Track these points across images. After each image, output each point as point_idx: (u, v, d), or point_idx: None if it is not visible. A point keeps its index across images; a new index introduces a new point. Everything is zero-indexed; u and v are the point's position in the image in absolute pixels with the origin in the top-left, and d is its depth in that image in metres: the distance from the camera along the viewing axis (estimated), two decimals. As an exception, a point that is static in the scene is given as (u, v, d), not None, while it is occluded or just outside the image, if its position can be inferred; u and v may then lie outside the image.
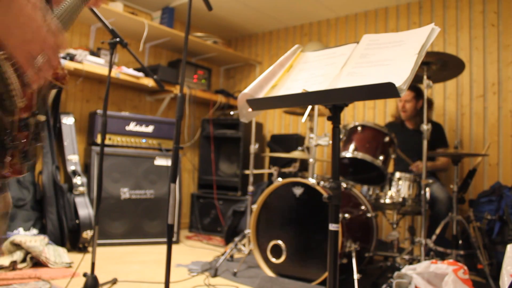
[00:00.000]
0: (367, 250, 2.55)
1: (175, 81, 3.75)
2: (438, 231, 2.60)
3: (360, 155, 2.54)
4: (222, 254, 2.86)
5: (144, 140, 3.47)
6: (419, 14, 3.61)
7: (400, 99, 3.09)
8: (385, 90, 0.97)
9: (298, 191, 2.39)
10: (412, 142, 2.98)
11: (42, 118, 0.79)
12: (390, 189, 2.65)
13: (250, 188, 3.05)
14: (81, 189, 2.98)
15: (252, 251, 2.57)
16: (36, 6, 0.70)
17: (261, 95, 1.25)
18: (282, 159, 3.63)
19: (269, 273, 2.41)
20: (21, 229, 2.73)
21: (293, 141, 3.89)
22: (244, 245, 2.97)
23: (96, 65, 3.23)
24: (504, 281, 1.61)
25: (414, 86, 3.06)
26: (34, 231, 2.78)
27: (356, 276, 2.16)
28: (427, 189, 2.48)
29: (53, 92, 3.10)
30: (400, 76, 0.99)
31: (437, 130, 3.11)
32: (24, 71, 0.73)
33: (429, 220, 2.82)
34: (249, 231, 2.81)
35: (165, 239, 3.30)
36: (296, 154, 2.93)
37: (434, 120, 3.24)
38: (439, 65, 2.55)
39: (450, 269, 1.88)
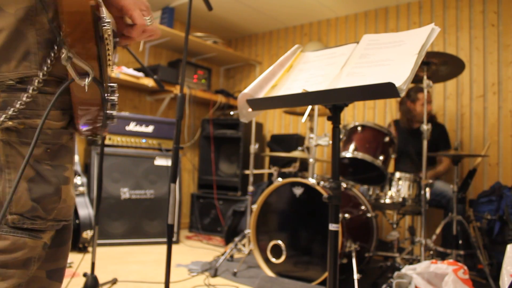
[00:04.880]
0: (367, 250, 2.55)
1: (175, 81, 3.75)
2: (438, 231, 2.60)
3: (360, 155, 2.54)
4: (222, 254, 2.86)
5: (144, 140, 3.47)
6: (419, 14, 3.61)
7: (422, 103, 3.02)
8: (385, 90, 0.97)
9: (298, 191, 2.39)
10: (417, 142, 2.98)
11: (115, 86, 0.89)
12: (390, 189, 2.65)
13: (250, 188, 3.05)
14: (81, 189, 2.98)
15: (252, 251, 2.57)
16: None
17: (261, 95, 1.25)
18: (282, 159, 3.63)
19: (269, 273, 2.41)
20: (21, 229, 2.73)
21: (293, 141, 3.89)
22: (244, 245, 2.97)
23: (96, 65, 3.23)
24: (504, 281, 1.60)
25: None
26: (34, 231, 2.78)
27: (356, 276, 2.16)
28: (427, 189, 2.48)
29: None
30: (400, 76, 0.99)
31: (441, 130, 3.11)
32: (135, 23, 0.88)
33: (444, 215, 2.82)
34: (249, 231, 2.81)
35: (165, 239, 3.30)
36: (296, 153, 2.93)
37: (437, 121, 3.22)
38: (440, 65, 2.55)
39: (450, 269, 1.88)
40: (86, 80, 0.75)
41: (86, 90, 0.76)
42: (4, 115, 0.75)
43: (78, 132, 0.88)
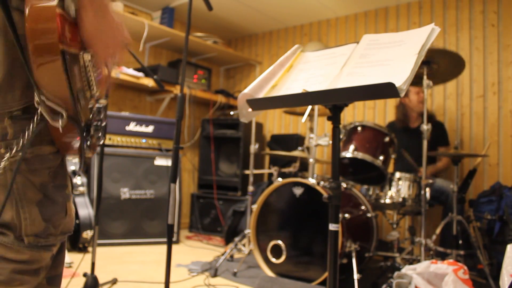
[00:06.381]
0: (367, 250, 2.55)
1: (175, 81, 3.75)
2: (438, 231, 2.60)
3: (360, 155, 2.54)
4: (222, 254, 2.86)
5: (144, 140, 3.47)
6: (419, 14, 3.61)
7: (417, 91, 3.08)
8: (385, 90, 0.97)
9: (298, 191, 2.39)
10: (416, 141, 2.98)
11: (104, 102, 0.92)
12: (390, 189, 2.65)
13: (250, 188, 3.05)
14: (81, 189, 2.98)
15: (252, 251, 2.57)
16: (117, 14, 0.84)
17: (261, 95, 1.25)
18: (282, 159, 3.63)
19: (269, 273, 2.41)
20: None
21: (293, 141, 3.89)
22: (244, 245, 2.97)
23: (96, 65, 3.23)
24: (504, 281, 1.60)
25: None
26: (34, 231, 2.78)
27: (356, 276, 2.16)
28: (427, 189, 2.48)
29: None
30: (400, 76, 0.99)
31: (439, 128, 3.12)
32: (102, 67, 0.88)
33: (443, 214, 2.82)
34: (249, 231, 2.81)
35: (165, 239, 3.30)
36: (296, 153, 2.93)
37: (436, 119, 3.24)
38: (440, 63, 2.54)
39: (450, 269, 1.88)
40: (60, 121, 0.77)
41: (61, 131, 0.79)
42: (15, 147, 0.78)
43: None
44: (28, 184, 0.82)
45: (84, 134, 0.86)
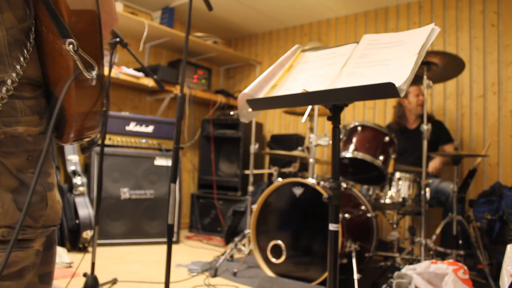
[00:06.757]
0: (367, 250, 2.55)
1: (175, 81, 3.75)
2: (438, 231, 2.60)
3: (360, 155, 2.54)
4: (222, 254, 2.86)
5: (144, 140, 3.47)
6: (419, 14, 3.61)
7: (417, 93, 3.09)
8: (385, 90, 0.97)
9: (298, 191, 2.39)
10: (416, 142, 2.98)
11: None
12: (390, 189, 2.65)
13: (250, 188, 3.05)
14: (81, 189, 2.98)
15: (252, 251, 2.57)
16: None
17: (261, 95, 1.25)
18: (282, 159, 3.63)
19: (269, 273, 2.41)
20: (21, 229, 2.73)
21: (293, 141, 3.89)
22: (244, 245, 2.97)
23: (96, 65, 3.23)
24: (504, 281, 1.60)
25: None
26: (34, 231, 2.78)
27: (356, 276, 2.16)
28: (427, 189, 2.48)
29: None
30: (400, 76, 0.99)
31: (439, 127, 3.12)
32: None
33: (443, 214, 2.83)
34: (249, 231, 2.81)
35: (165, 239, 3.30)
36: (296, 153, 2.93)
37: (434, 118, 3.24)
38: (440, 65, 2.54)
39: (450, 269, 1.88)
40: (93, 73, 0.73)
41: (94, 84, 0.74)
42: None
43: (61, 141, 0.84)
44: (1, 169, 0.74)
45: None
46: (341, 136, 2.68)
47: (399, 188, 2.62)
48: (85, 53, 0.72)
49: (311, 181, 2.33)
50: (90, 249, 2.86)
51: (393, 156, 2.68)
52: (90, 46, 0.72)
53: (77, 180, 3.00)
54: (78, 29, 0.70)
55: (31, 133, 0.77)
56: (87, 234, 2.82)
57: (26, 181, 0.77)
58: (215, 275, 2.45)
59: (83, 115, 0.80)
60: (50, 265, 0.87)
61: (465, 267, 1.90)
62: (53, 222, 0.83)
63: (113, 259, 2.74)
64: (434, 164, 3.00)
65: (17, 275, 0.77)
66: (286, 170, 3.17)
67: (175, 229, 3.37)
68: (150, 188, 3.34)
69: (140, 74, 3.51)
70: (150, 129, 3.50)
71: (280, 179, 2.52)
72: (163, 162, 3.43)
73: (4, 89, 0.72)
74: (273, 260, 2.40)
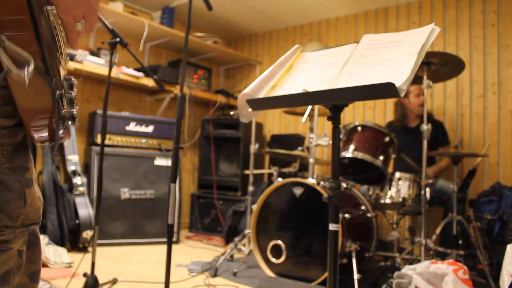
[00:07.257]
0: (367, 250, 2.55)
1: (175, 81, 3.75)
2: (438, 231, 2.60)
3: (360, 155, 2.54)
4: (222, 254, 2.86)
5: (144, 140, 3.47)
6: (419, 14, 3.61)
7: (417, 93, 3.08)
8: (385, 90, 0.97)
9: (298, 191, 2.39)
10: (415, 141, 2.98)
11: (75, 80, 0.78)
12: (390, 189, 2.65)
13: (250, 188, 3.05)
14: (81, 189, 2.98)
15: (252, 251, 2.57)
16: None
17: (261, 95, 1.25)
18: (282, 159, 3.63)
19: (269, 273, 2.41)
20: (21, 229, 2.72)
21: (293, 141, 3.89)
22: (244, 245, 2.97)
23: (96, 65, 3.23)
24: (504, 281, 1.60)
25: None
26: (34, 231, 2.78)
27: (356, 276, 2.15)
28: (427, 189, 2.48)
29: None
30: (400, 76, 0.99)
31: (439, 127, 3.12)
32: (71, 30, 0.74)
33: (443, 214, 2.83)
34: (249, 231, 2.81)
35: (165, 239, 3.30)
36: (296, 153, 2.93)
37: (434, 118, 3.24)
38: (440, 65, 2.55)
39: (450, 269, 1.88)
40: (25, 70, 0.61)
41: (27, 83, 0.62)
42: None
43: (32, 139, 0.78)
44: None
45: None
46: (341, 136, 2.68)
47: (399, 188, 2.62)
48: (15, 46, 0.61)
49: (311, 181, 2.33)
50: (90, 249, 2.86)
51: (393, 156, 2.68)
52: (22, 37, 0.61)
53: (77, 180, 2.99)
54: (3, 15, 0.58)
55: (5, 124, 0.70)
56: (87, 234, 2.82)
57: (1, 178, 0.70)
58: (215, 275, 2.45)
59: (31, 113, 0.71)
60: (37, 264, 0.82)
61: (465, 267, 1.90)
62: (33, 220, 0.77)
63: (113, 259, 2.74)
64: (432, 171, 3.01)
65: (1, 280, 0.71)
66: (286, 170, 3.17)
67: (175, 229, 3.37)
68: (150, 188, 3.34)
69: (140, 74, 3.51)
70: (150, 129, 3.50)
71: (280, 179, 2.52)
72: (163, 162, 3.43)
73: None
74: (273, 260, 2.41)
